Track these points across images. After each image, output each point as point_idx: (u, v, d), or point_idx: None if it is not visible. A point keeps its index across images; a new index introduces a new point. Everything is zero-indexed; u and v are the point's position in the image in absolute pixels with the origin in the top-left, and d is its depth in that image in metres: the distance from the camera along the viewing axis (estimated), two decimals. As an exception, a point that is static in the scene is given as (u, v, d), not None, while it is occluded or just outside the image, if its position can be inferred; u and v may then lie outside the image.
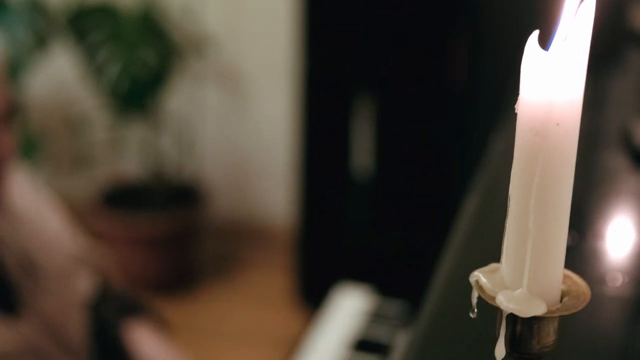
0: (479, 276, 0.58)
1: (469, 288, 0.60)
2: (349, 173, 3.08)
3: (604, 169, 1.20)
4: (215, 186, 3.56)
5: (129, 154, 3.37)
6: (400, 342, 1.58)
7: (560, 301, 0.58)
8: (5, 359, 1.23)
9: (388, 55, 2.70)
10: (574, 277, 0.59)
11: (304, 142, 3.01)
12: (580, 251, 0.98)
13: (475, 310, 0.59)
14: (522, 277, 0.56)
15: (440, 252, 1.18)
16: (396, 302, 1.81)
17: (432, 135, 2.46)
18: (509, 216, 0.56)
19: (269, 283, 3.37)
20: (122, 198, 3.32)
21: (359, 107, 2.96)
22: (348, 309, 1.80)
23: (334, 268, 2.68)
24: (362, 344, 1.70)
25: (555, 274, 0.57)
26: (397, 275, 1.94)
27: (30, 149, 3.08)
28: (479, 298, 0.58)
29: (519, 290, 0.56)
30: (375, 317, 1.77)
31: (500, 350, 0.58)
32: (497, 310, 0.58)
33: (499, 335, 0.58)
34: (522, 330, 0.57)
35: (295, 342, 2.89)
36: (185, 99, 3.35)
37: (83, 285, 1.42)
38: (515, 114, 0.55)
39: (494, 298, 0.57)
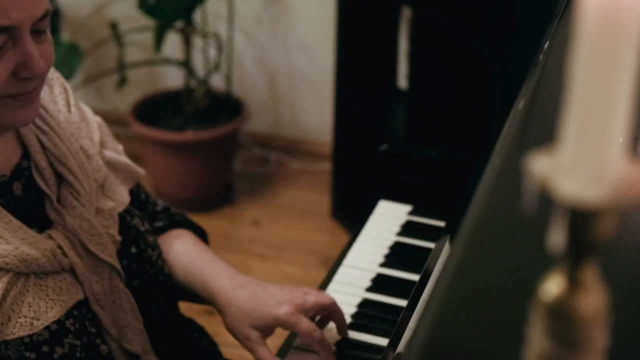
0: (536, 161, 0.56)
1: (521, 178, 0.57)
2: (389, 84, 3.04)
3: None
4: (254, 96, 3.54)
5: (168, 61, 3.35)
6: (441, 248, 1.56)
7: (622, 189, 0.55)
8: (34, 266, 1.24)
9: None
10: (637, 165, 0.57)
11: (342, 53, 2.97)
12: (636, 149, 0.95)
13: (530, 198, 0.57)
14: (582, 163, 0.54)
15: (482, 163, 1.16)
16: (436, 216, 1.79)
17: (473, 46, 2.41)
18: (570, 96, 0.54)
19: (307, 196, 3.37)
20: (161, 106, 3.31)
21: (399, 17, 2.92)
22: (387, 222, 1.79)
23: (372, 182, 2.66)
24: (401, 250, 1.70)
25: (618, 160, 0.54)
26: (436, 189, 1.91)
27: (70, 56, 3.07)
28: (535, 185, 0.56)
29: (578, 176, 0.54)
30: (414, 231, 1.75)
31: (556, 239, 0.56)
32: (553, 197, 0.55)
33: (555, 224, 0.55)
34: (580, 218, 0.55)
35: (332, 254, 2.89)
36: (224, 5, 3.30)
37: (119, 195, 1.41)
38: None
39: (551, 184, 0.54)
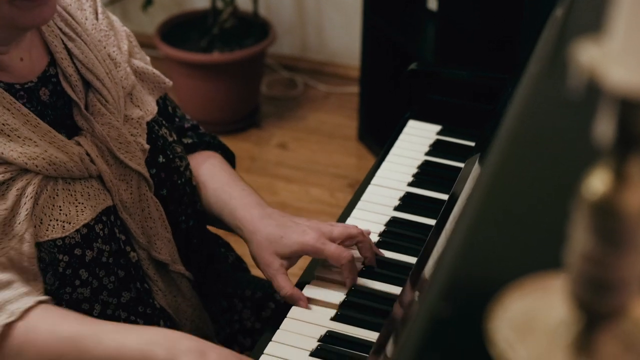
0: (582, 49, 0.53)
1: (559, 85, 0.54)
2: (419, 5, 2.99)
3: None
4: (281, 18, 3.50)
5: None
6: (471, 167, 1.54)
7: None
8: (62, 170, 1.23)
9: None
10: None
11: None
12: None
13: (574, 87, 0.54)
14: (633, 49, 0.51)
15: (513, 82, 1.12)
16: (465, 136, 1.76)
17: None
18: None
19: (334, 119, 3.34)
20: (187, 27, 3.28)
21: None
22: (416, 142, 1.76)
23: (400, 105, 2.63)
24: (430, 169, 1.67)
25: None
26: (465, 109, 1.88)
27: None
28: (580, 74, 0.53)
29: (629, 63, 0.51)
30: (444, 150, 1.73)
31: (603, 131, 0.53)
32: (599, 88, 0.52)
33: (602, 115, 0.53)
34: (629, 107, 0.52)
35: (358, 177, 2.87)
36: None
37: (147, 105, 1.40)
38: None
39: (599, 72, 0.51)
